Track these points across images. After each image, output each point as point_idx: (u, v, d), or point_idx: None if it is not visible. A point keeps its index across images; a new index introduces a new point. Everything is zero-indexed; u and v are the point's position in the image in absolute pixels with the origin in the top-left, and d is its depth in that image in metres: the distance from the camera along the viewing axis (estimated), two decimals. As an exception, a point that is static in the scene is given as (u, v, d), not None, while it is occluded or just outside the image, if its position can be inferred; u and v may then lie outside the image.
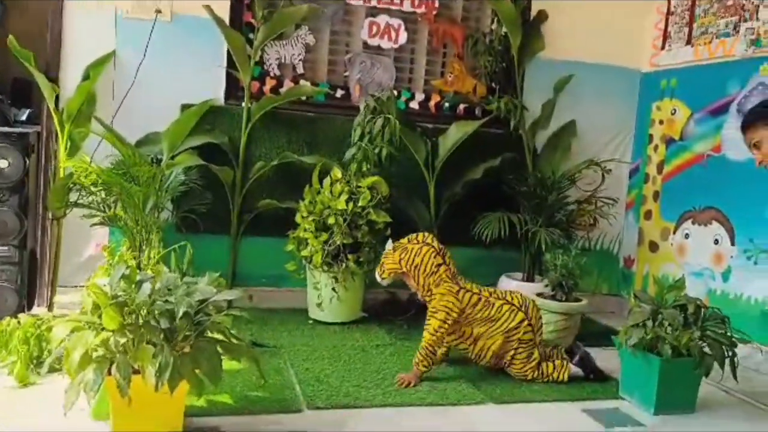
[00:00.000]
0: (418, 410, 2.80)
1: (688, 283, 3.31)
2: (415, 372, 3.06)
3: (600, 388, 3.18)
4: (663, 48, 4.51)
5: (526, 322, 3.19)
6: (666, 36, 4.49)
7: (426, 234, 3.28)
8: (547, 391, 3.09)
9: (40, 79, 3.61)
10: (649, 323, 2.99)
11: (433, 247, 3.19)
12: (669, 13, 4.47)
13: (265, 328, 3.66)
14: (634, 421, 2.87)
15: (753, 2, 3.79)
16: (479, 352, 3.20)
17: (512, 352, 3.18)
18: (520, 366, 3.18)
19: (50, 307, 3.56)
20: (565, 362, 3.24)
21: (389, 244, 3.29)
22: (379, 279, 3.29)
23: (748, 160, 3.67)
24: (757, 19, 3.75)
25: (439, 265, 3.16)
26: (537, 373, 3.19)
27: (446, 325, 3.09)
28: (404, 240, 3.26)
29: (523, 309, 3.21)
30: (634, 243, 4.71)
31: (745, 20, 3.84)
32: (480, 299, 3.18)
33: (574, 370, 3.24)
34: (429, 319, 3.12)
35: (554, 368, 3.20)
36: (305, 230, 3.81)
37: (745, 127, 2.73)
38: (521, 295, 3.30)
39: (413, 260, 3.16)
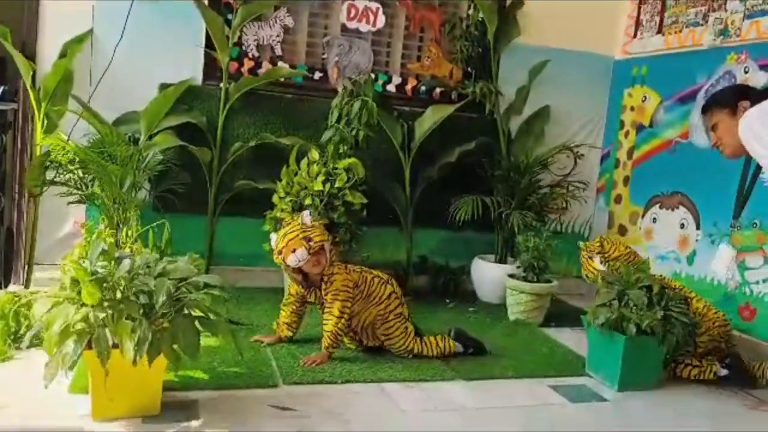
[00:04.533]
0: (391, 386, 2.88)
1: (654, 265, 3.44)
2: (324, 354, 3.01)
3: (567, 366, 3.29)
4: (635, 36, 4.60)
5: (394, 295, 3.14)
6: (638, 24, 4.58)
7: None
8: (516, 368, 3.19)
9: (17, 56, 3.59)
10: (615, 303, 3.10)
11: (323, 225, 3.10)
12: (641, 2, 4.56)
13: (241, 307, 3.71)
14: (598, 396, 2.99)
15: (722, -7, 3.90)
16: (357, 325, 3.13)
17: (390, 328, 3.12)
18: (400, 341, 3.14)
19: (27, 284, 3.57)
20: (447, 337, 3.24)
21: (306, 216, 3.02)
22: (298, 260, 2.94)
23: (714, 147, 3.78)
24: (725, 9, 3.86)
25: (331, 243, 3.08)
26: (420, 345, 3.15)
27: (349, 304, 3.01)
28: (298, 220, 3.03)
29: (390, 282, 3.16)
30: (604, 226, 4.83)
31: (714, 10, 3.94)
32: (358, 275, 3.10)
33: (457, 346, 3.24)
34: (332, 303, 2.99)
35: (437, 342, 3.19)
36: (282, 211, 3.85)
37: (705, 109, 2.80)
38: (383, 272, 3.25)
39: (324, 237, 3.01)
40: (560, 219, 4.83)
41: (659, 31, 4.39)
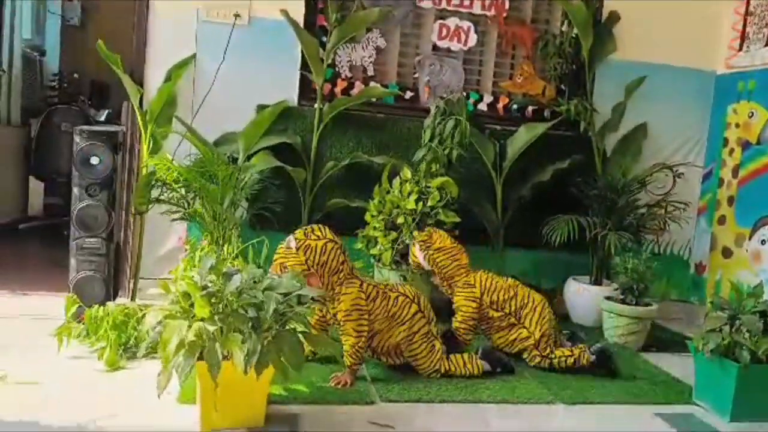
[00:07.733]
0: (488, 407, 2.84)
1: (766, 289, 3.23)
2: (348, 372, 2.93)
3: (672, 393, 3.14)
4: (740, 49, 4.40)
5: (419, 315, 3.05)
6: (744, 37, 4.38)
7: (322, 227, 2.99)
8: (619, 394, 3.07)
9: (126, 81, 3.79)
10: (726, 329, 2.95)
11: (335, 242, 2.95)
12: (747, 13, 4.36)
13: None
14: (708, 427, 2.83)
15: (838, 2, 3.69)
16: (378, 345, 3.05)
17: (416, 349, 3.05)
18: (426, 361, 3.06)
19: (133, 297, 3.73)
20: (474, 356, 3.15)
21: (291, 241, 2.91)
22: None
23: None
24: (843, 19, 3.64)
25: (343, 262, 2.94)
26: (448, 364, 3.08)
27: (363, 322, 2.91)
28: (300, 234, 2.92)
29: (416, 301, 3.08)
30: (706, 249, 4.61)
31: (830, 20, 3.73)
32: (379, 292, 3.01)
33: (485, 365, 3.16)
34: (344, 324, 2.91)
35: (465, 362, 3.11)
36: (374, 229, 3.88)
37: None
38: (411, 287, 3.18)
39: (319, 259, 2.88)
40: (658, 240, 4.63)
41: (768, 44, 4.19)
